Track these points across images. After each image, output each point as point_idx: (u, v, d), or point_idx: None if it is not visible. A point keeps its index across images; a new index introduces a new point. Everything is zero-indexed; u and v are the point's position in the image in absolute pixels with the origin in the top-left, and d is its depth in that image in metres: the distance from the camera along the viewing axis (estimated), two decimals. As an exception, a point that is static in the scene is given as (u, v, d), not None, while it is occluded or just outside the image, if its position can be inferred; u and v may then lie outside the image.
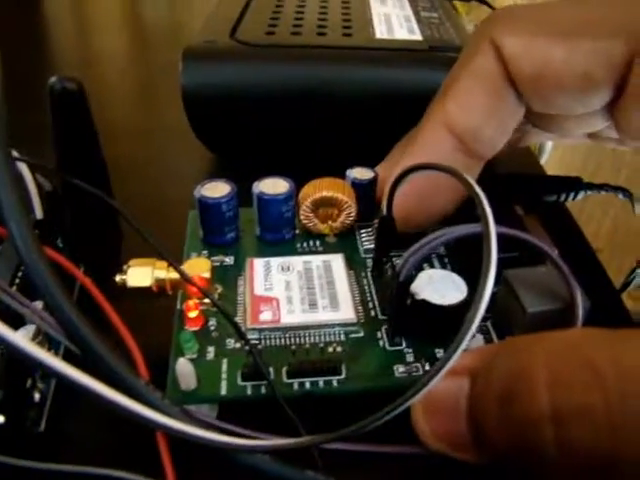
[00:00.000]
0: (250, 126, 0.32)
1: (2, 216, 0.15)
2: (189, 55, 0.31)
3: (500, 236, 0.16)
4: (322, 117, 0.31)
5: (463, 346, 0.15)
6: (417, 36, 0.34)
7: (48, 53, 0.54)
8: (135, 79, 0.49)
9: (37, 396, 0.19)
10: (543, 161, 0.39)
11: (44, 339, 0.20)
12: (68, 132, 0.20)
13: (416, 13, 0.37)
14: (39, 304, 0.19)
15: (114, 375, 0.14)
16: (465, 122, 0.21)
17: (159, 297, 0.21)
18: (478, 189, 0.16)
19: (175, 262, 0.20)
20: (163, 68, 0.47)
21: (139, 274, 0.21)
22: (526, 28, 0.20)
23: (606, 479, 0.13)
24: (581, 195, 0.28)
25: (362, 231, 0.25)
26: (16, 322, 0.20)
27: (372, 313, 0.21)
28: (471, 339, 0.17)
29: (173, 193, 0.31)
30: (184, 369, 0.18)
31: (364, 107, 0.31)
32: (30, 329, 0.20)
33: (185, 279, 0.19)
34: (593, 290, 0.20)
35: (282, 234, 0.24)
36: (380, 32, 0.34)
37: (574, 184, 0.28)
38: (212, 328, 0.20)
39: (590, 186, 0.28)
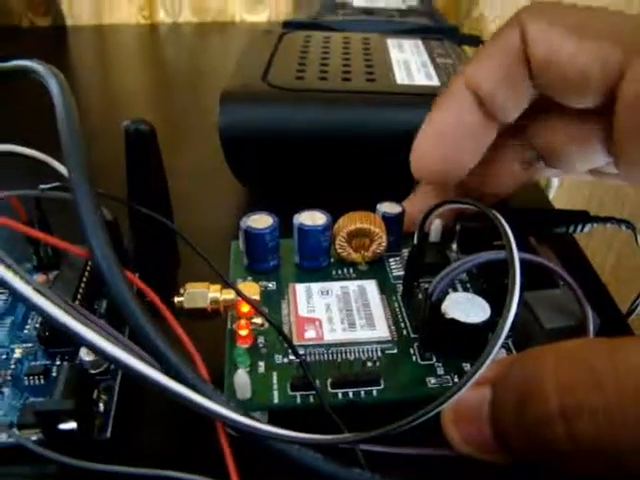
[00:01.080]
0: (282, 163, 0.35)
1: (86, 237, 0.18)
2: (226, 97, 0.34)
3: (521, 262, 0.19)
4: (349, 156, 0.34)
5: (490, 359, 0.17)
6: (434, 81, 0.36)
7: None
8: (161, 118, 0.51)
9: (102, 406, 0.22)
10: (551, 197, 0.41)
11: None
12: (140, 167, 0.22)
13: (432, 59, 0.40)
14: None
15: (188, 381, 0.17)
16: (482, 82, 0.24)
17: (208, 318, 0.23)
18: (503, 220, 0.19)
19: (230, 285, 0.22)
20: (186, 109, 0.50)
21: (195, 296, 0.23)
22: (548, 18, 0.22)
23: (612, 467, 0.15)
24: (588, 227, 0.30)
25: (391, 260, 0.28)
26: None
27: (404, 332, 0.23)
28: (496, 354, 0.19)
29: (209, 225, 0.33)
30: (241, 379, 0.20)
31: (388, 147, 0.33)
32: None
33: (244, 298, 0.22)
34: (601, 314, 0.22)
35: (319, 262, 0.27)
36: (401, 78, 0.37)
37: (582, 217, 0.31)
38: (261, 345, 0.23)
39: (596, 219, 0.31)
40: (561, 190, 0.43)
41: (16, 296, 0.17)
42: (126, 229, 0.26)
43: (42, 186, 0.25)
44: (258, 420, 0.17)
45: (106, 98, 0.55)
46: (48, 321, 0.17)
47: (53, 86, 0.22)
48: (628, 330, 0.27)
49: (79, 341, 0.17)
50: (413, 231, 0.26)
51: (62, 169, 0.25)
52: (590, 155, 0.24)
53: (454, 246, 0.28)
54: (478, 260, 0.22)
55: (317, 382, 0.21)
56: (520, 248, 0.22)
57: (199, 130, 0.38)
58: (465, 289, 0.26)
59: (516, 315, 0.23)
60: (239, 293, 0.22)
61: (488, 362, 0.17)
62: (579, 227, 0.30)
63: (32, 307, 0.16)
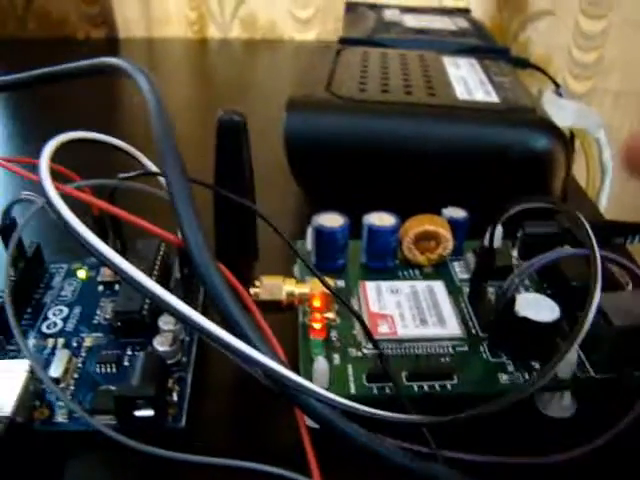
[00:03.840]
0: (345, 171, 0.35)
1: (181, 228, 0.19)
2: (292, 104, 0.35)
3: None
4: (411, 166, 0.35)
5: (566, 357, 0.18)
6: (494, 98, 0.37)
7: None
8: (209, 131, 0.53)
9: (175, 396, 0.22)
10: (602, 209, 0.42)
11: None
12: (231, 156, 0.23)
13: (489, 77, 0.41)
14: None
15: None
16: None
17: (280, 311, 0.24)
18: (585, 222, 0.20)
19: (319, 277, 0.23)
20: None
21: (272, 288, 0.24)
22: None
23: None
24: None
25: (455, 263, 0.28)
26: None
27: (473, 331, 0.24)
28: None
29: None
30: (322, 367, 0.21)
31: (449, 159, 0.34)
32: (168, 336, 0.23)
33: (328, 288, 0.23)
34: None
35: (386, 262, 0.28)
36: (460, 93, 0.37)
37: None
38: (334, 339, 0.23)
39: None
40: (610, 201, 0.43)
41: (126, 279, 0.18)
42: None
43: (121, 175, 0.25)
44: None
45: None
46: (157, 302, 0.17)
47: (142, 82, 0.23)
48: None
49: (187, 322, 0.17)
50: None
51: (144, 159, 0.26)
52: None
53: (514, 252, 0.29)
54: (554, 256, 0.23)
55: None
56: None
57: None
58: (527, 290, 0.26)
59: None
60: (324, 283, 0.23)
61: (567, 356, 0.18)
62: (636, 238, 0.31)
63: (139, 288, 0.17)
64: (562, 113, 0.41)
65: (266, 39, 0.74)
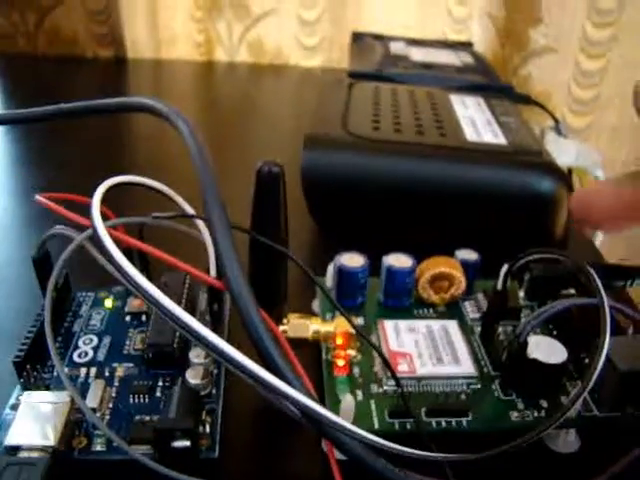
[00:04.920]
0: (359, 209, 0.37)
1: (223, 270, 0.20)
2: (310, 142, 0.36)
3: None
4: (420, 205, 0.36)
5: (580, 401, 0.19)
6: (501, 139, 0.39)
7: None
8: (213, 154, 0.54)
9: (208, 427, 0.23)
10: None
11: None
12: (267, 205, 0.25)
13: (495, 117, 0.43)
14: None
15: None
16: None
17: (305, 347, 0.26)
18: (593, 273, 0.21)
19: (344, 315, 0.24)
20: (239, 147, 0.52)
21: (299, 327, 0.26)
22: None
23: None
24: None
25: (465, 302, 0.30)
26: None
27: (485, 370, 0.26)
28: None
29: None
30: (349, 404, 0.22)
31: (458, 200, 0.36)
32: (199, 369, 0.25)
33: (354, 327, 0.25)
34: None
35: (402, 301, 0.29)
36: (469, 134, 0.39)
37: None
38: (357, 375, 0.25)
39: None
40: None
41: (162, 311, 0.19)
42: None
43: (155, 214, 0.26)
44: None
45: (157, 130, 0.55)
46: (192, 335, 0.19)
47: (183, 127, 0.24)
48: None
49: (220, 356, 0.19)
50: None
51: (179, 200, 0.27)
52: None
53: (521, 293, 0.30)
54: (567, 304, 0.25)
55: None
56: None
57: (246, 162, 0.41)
58: (534, 332, 0.28)
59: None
60: (351, 323, 0.24)
61: (577, 405, 0.20)
62: (636, 282, 0.32)
63: (173, 319, 0.19)
64: (564, 153, 0.43)
65: (272, 64, 0.76)
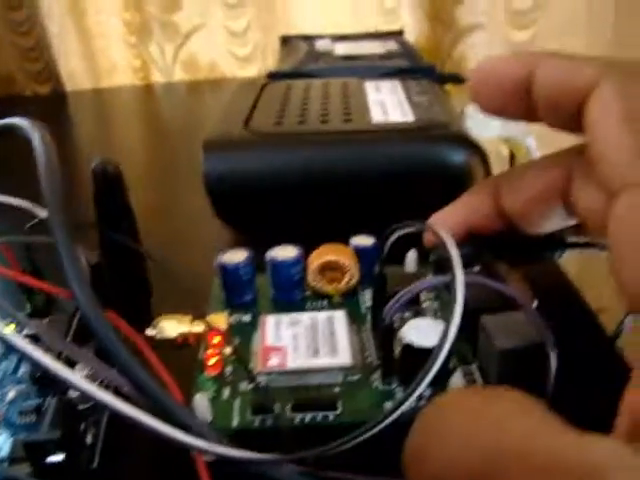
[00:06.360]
0: (266, 206, 0.36)
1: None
2: (209, 145, 0.35)
3: (469, 285, 0.19)
4: (328, 193, 0.35)
5: (426, 383, 0.17)
6: (409, 117, 0.37)
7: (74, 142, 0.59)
8: (155, 168, 0.53)
9: (90, 438, 0.22)
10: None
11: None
12: (108, 204, 0.24)
13: (409, 97, 0.41)
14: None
15: (167, 409, 0.17)
16: None
17: (182, 348, 0.24)
18: (447, 239, 0.20)
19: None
20: (178, 159, 0.52)
21: (167, 327, 0.24)
22: None
23: None
24: (566, 252, 0.30)
25: (366, 291, 0.28)
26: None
27: (368, 360, 0.24)
28: (448, 376, 0.20)
29: (195, 264, 0.34)
30: (199, 403, 0.21)
31: (364, 182, 0.34)
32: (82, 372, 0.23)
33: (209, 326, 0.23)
34: (587, 339, 0.22)
35: (293, 294, 0.28)
36: (376, 116, 0.38)
37: (558, 243, 0.31)
38: (227, 373, 0.23)
39: (573, 245, 0.31)
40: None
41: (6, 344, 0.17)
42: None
43: (27, 225, 0.26)
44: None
45: (105, 154, 0.56)
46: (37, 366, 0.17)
47: (35, 137, 0.23)
48: (615, 354, 0.26)
49: (65, 383, 0.17)
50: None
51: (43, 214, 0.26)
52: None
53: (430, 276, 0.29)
54: (424, 285, 0.23)
55: (279, 406, 0.22)
56: (485, 273, 0.23)
57: (187, 177, 0.40)
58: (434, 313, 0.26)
59: (476, 339, 0.23)
60: (208, 324, 0.23)
61: (423, 386, 0.17)
62: (557, 252, 0.30)
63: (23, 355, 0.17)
64: (486, 126, 0.41)
65: (209, 79, 0.75)
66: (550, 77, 0.19)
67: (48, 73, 0.73)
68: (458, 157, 0.33)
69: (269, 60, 0.72)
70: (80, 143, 0.60)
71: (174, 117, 0.67)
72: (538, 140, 0.42)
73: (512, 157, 0.43)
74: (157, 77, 0.75)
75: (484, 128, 0.39)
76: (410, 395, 0.17)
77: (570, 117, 0.19)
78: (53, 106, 0.72)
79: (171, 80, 0.75)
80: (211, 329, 0.23)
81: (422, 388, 0.17)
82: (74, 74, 0.74)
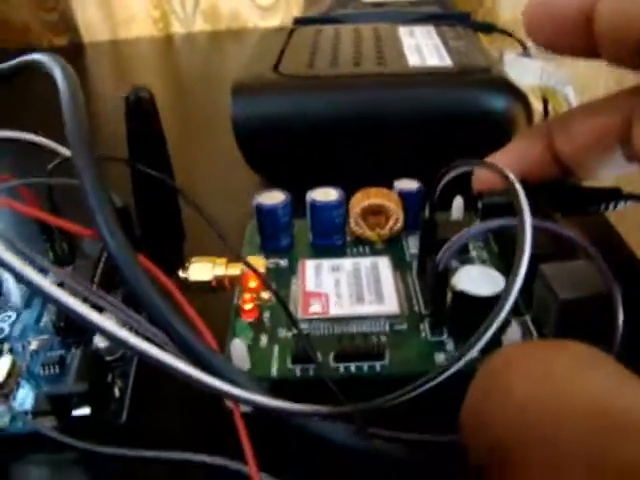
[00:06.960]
0: (296, 150, 0.34)
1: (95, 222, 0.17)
2: (238, 88, 0.33)
3: (536, 230, 0.17)
4: (363, 138, 0.33)
5: (492, 331, 0.16)
6: (447, 62, 0.35)
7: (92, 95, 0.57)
8: (179, 118, 0.51)
9: (117, 392, 0.21)
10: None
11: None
12: (141, 133, 0.22)
13: (445, 42, 0.39)
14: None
15: (203, 357, 0.16)
16: None
17: (216, 292, 0.23)
18: (516, 183, 0.18)
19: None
20: (201, 108, 0.50)
21: (200, 270, 0.23)
22: None
23: None
24: (621, 205, 0.29)
25: (410, 238, 0.27)
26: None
27: (416, 309, 0.22)
28: (504, 328, 0.18)
29: (227, 208, 0.33)
30: (237, 350, 0.19)
31: (400, 127, 0.33)
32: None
33: (248, 265, 0.21)
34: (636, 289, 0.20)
35: (333, 240, 0.26)
36: (412, 60, 0.36)
37: (614, 194, 0.29)
38: (266, 319, 0.22)
39: (630, 196, 0.29)
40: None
41: (32, 288, 0.16)
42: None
43: (50, 166, 0.24)
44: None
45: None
46: (64, 311, 0.16)
47: (57, 73, 0.22)
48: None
49: (94, 329, 0.16)
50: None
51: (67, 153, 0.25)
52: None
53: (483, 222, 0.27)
54: (485, 227, 0.21)
55: (320, 355, 0.20)
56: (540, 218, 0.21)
57: (213, 126, 0.38)
58: (483, 261, 0.25)
59: (532, 289, 0.21)
60: (247, 264, 0.21)
61: (489, 334, 0.16)
62: (611, 205, 0.28)
63: (48, 298, 0.16)
64: (526, 73, 0.39)
65: (230, 29, 0.73)
66: (615, 6, 0.17)
67: (65, 24, 0.71)
68: (500, 103, 0.31)
69: (293, 10, 0.70)
70: (98, 97, 0.58)
71: (195, 69, 0.65)
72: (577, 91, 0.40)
73: (546, 106, 0.41)
74: (177, 27, 0.73)
75: (522, 75, 0.37)
76: (476, 343, 0.15)
77: (635, 52, 0.17)
78: (70, 58, 0.70)
79: (191, 31, 0.73)
80: (251, 271, 0.22)
81: (488, 337, 0.16)
82: (91, 25, 0.72)
